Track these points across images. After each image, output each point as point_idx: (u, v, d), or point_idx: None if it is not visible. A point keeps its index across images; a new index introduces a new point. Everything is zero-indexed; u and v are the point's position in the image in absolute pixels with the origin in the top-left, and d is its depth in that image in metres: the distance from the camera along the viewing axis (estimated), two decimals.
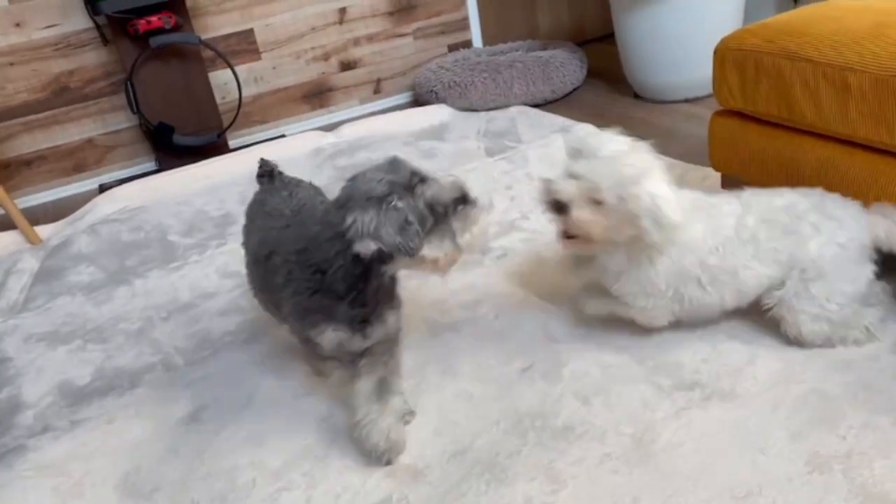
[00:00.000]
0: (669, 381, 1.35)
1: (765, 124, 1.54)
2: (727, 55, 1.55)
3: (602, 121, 2.75)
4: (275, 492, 1.25)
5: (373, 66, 3.50)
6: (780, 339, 1.40)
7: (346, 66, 3.45)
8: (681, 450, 1.19)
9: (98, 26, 2.91)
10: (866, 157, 1.35)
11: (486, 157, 2.61)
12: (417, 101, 3.41)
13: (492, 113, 3.08)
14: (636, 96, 3.03)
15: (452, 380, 1.45)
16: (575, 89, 3.25)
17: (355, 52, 3.44)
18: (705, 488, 1.12)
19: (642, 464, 1.18)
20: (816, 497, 1.07)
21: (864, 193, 1.36)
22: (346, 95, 3.50)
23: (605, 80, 3.32)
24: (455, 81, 3.11)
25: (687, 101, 2.84)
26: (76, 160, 3.08)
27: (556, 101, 3.17)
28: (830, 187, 1.42)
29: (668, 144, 2.47)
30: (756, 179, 1.60)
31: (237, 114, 3.12)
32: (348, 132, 3.04)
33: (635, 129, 2.68)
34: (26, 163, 3.00)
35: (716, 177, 2.11)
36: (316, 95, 3.43)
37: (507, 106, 3.11)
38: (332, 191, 2.49)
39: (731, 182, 1.71)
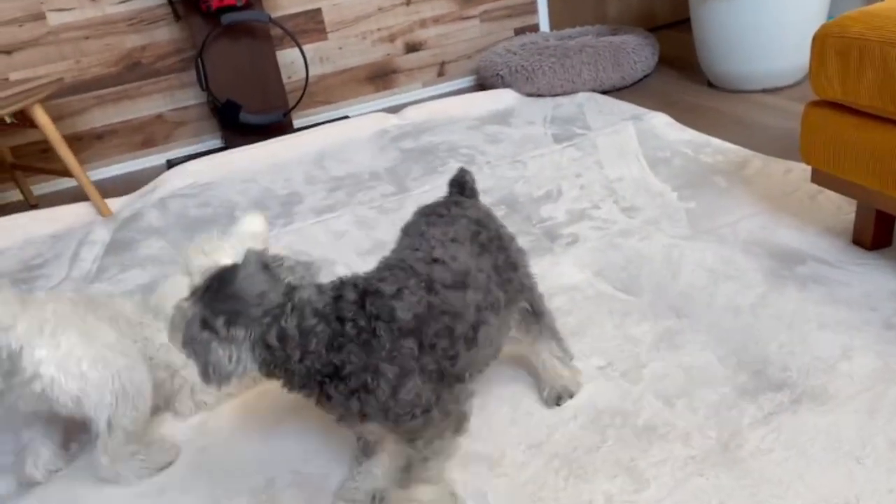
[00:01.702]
0: (755, 382, 1.29)
1: (865, 117, 1.45)
2: (828, 42, 1.47)
3: (674, 109, 2.67)
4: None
5: (438, 48, 3.47)
6: (878, 328, 1.33)
7: (412, 47, 3.42)
8: (770, 456, 1.14)
9: (171, 2, 2.94)
10: None
11: (554, 144, 2.55)
12: (482, 86, 3.37)
13: (558, 99, 3.02)
14: (710, 85, 2.93)
15: (526, 372, 1.42)
16: (645, 76, 3.17)
17: (421, 34, 3.41)
18: (797, 496, 1.06)
19: (729, 469, 1.13)
20: None
21: None
22: (410, 78, 3.47)
23: (676, 68, 3.22)
24: (522, 66, 3.06)
25: (765, 91, 2.74)
26: (146, 135, 3.13)
27: (625, 88, 3.09)
28: None
29: (744, 135, 2.38)
30: (849, 175, 1.52)
31: (303, 93, 3.12)
32: (412, 115, 3.02)
33: (709, 119, 2.61)
34: (98, 136, 3.06)
35: (799, 169, 2.03)
36: (380, 77, 3.41)
37: (574, 92, 3.04)
38: (397, 172, 2.49)
39: (822, 177, 1.63)
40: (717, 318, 1.48)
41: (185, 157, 3.03)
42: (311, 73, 3.19)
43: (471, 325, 1.07)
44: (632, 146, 2.43)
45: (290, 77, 3.19)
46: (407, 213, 2.26)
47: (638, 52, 3.07)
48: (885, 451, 1.11)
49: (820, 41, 1.49)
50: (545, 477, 1.16)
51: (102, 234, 2.36)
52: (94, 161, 3.08)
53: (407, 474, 1.07)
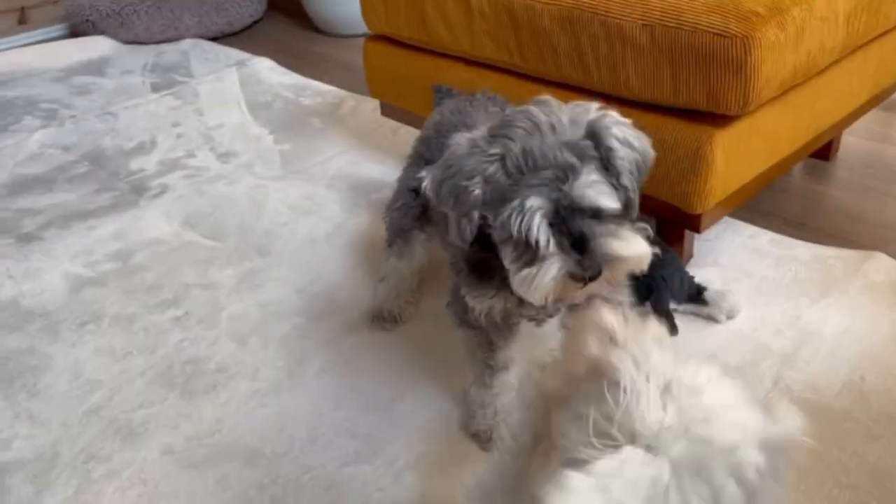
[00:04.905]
0: (326, 308, 1.34)
1: (409, 48, 1.56)
2: None
3: (282, 55, 2.65)
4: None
5: None
6: None
7: None
8: (330, 374, 1.19)
9: None
10: (498, 78, 1.42)
11: (152, 93, 2.37)
12: (74, 34, 2.99)
13: (162, 46, 2.81)
14: (317, 30, 2.96)
15: (93, 336, 1.30)
16: (256, 22, 3.09)
17: None
18: (348, 407, 1.12)
19: (292, 393, 1.16)
20: None
21: None
22: None
23: (286, 14, 3.19)
24: (113, 10, 2.77)
25: (365, 35, 2.84)
26: None
27: (233, 34, 2.99)
28: None
29: (345, 78, 2.45)
30: (410, 105, 1.63)
31: None
32: None
33: (314, 64, 2.64)
34: None
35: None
36: None
37: (178, 39, 2.85)
38: None
39: (391, 110, 1.73)
40: (296, 253, 1.50)
41: None
42: None
43: None
44: (234, 92, 2.36)
45: None
46: None
47: None
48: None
49: None
50: (102, 442, 1.08)
51: None
52: None
53: None
